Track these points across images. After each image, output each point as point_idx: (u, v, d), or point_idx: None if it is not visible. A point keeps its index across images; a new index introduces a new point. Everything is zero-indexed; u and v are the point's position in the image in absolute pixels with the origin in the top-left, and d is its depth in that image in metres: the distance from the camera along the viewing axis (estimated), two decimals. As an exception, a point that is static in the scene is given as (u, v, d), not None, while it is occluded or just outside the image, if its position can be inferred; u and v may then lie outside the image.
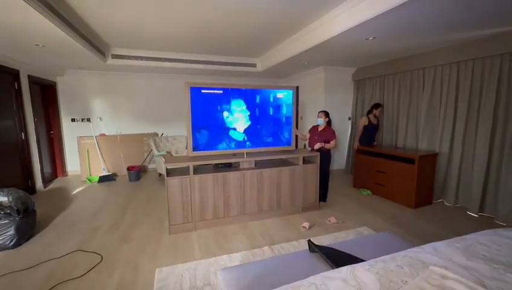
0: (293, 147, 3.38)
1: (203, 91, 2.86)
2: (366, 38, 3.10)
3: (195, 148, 2.90)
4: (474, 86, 3.25)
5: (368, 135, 4.34)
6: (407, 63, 4.06)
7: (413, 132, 4.11)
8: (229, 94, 2.99)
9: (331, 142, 3.43)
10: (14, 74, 3.84)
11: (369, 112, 4.37)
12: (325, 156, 3.47)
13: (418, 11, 2.30)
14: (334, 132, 3.49)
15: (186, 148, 5.68)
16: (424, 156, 3.46)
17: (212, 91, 2.91)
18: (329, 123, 3.56)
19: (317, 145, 3.42)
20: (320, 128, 3.55)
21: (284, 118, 3.30)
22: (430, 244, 1.40)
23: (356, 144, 4.36)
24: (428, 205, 3.57)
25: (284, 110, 3.29)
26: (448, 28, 2.76)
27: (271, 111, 3.23)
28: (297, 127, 3.62)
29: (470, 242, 1.38)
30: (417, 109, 4.03)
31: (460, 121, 3.41)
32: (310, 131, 3.67)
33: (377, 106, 4.32)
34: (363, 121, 4.34)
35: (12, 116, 3.80)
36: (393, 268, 1.15)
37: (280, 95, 3.24)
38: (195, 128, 2.87)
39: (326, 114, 3.53)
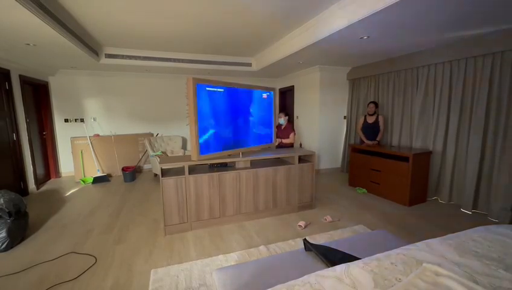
0: (274, 144, 3.67)
1: (207, 89, 2.64)
2: (361, 38, 3.12)
3: (202, 151, 2.66)
4: (467, 85, 3.29)
5: (364, 133, 4.43)
6: (401, 62, 4.09)
7: (408, 131, 4.15)
8: (231, 93, 2.93)
9: (290, 136, 3.95)
10: (5, 74, 3.77)
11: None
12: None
13: (411, 11, 2.32)
14: (292, 129, 4.02)
15: (182, 148, 5.66)
16: (418, 154, 3.49)
17: (216, 89, 2.74)
18: (290, 121, 4.05)
19: (276, 142, 3.80)
20: (282, 127, 4.04)
21: (268, 117, 3.50)
22: (423, 241, 1.41)
23: (366, 142, 4.38)
24: (423, 203, 3.61)
25: (268, 110, 3.48)
26: (441, 28, 2.79)
27: (260, 110, 3.36)
28: (293, 127, 4.07)
29: (463, 239, 1.40)
30: (411, 108, 4.06)
31: (454, 119, 3.45)
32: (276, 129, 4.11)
33: (368, 104, 4.41)
34: (360, 121, 4.49)
35: (4, 116, 3.73)
36: (387, 266, 1.15)
37: (264, 95, 3.38)
38: (201, 129, 2.61)
39: (286, 113, 4.06)
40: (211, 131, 2.75)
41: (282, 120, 3.99)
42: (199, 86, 2.55)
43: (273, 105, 3.51)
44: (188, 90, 2.51)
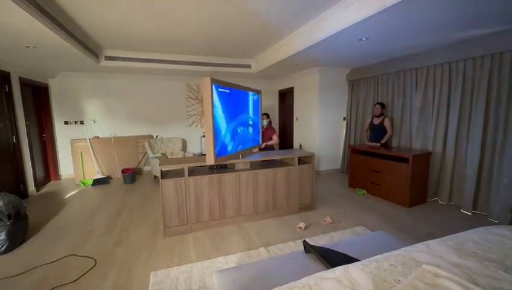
0: (262, 145, 3.82)
1: (219, 90, 2.58)
2: (360, 39, 3.13)
3: (218, 154, 2.57)
4: (466, 86, 3.30)
5: (369, 134, 4.47)
6: (400, 64, 4.10)
7: (407, 132, 4.15)
8: (235, 94, 2.90)
9: (273, 137, 4.00)
10: (5, 76, 3.78)
11: None
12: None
13: (410, 12, 2.33)
14: (274, 130, 4.09)
15: (182, 150, 5.66)
16: (417, 155, 3.50)
17: (225, 90, 2.70)
18: (270, 123, 4.14)
19: (263, 145, 3.90)
20: (263, 129, 4.04)
21: (257, 119, 3.59)
22: (423, 242, 1.41)
23: (367, 143, 4.43)
24: (423, 204, 3.61)
25: (257, 111, 3.57)
26: (440, 29, 2.79)
27: (253, 112, 3.42)
28: (273, 128, 4.17)
29: (462, 240, 1.40)
30: (411, 109, 4.07)
31: (453, 120, 3.45)
32: None
33: (374, 105, 4.38)
34: (367, 121, 4.53)
35: (3, 119, 3.73)
36: (386, 267, 1.15)
37: (255, 97, 3.46)
38: (216, 131, 2.54)
39: (267, 115, 4.11)
40: (223, 133, 2.70)
41: (265, 122, 4.06)
42: (214, 86, 2.44)
43: (260, 107, 3.62)
44: (205, 91, 2.39)
